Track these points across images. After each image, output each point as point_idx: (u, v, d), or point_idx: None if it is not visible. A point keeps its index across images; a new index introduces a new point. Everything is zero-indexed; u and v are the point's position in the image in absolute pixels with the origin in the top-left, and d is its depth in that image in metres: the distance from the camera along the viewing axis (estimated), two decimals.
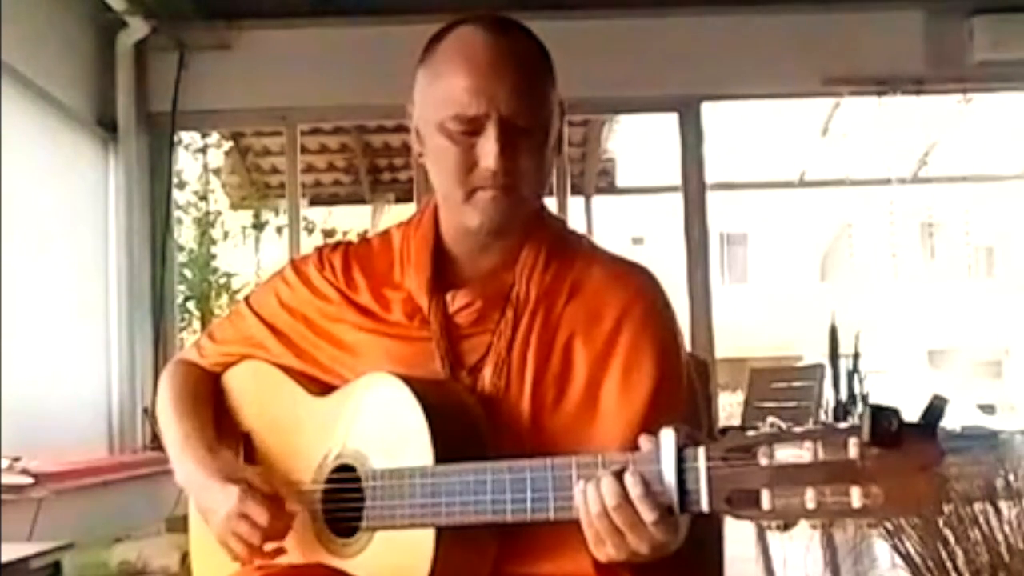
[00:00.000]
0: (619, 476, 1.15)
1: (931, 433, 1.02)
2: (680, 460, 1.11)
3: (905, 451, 1.01)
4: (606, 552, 1.19)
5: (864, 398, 5.46)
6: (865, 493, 1.01)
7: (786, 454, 1.04)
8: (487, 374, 1.38)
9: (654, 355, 1.37)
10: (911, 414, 1.03)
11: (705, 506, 1.09)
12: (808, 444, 1.03)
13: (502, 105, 1.32)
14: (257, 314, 1.53)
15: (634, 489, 1.14)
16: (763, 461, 1.05)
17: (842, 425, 1.03)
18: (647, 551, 1.17)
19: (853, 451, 1.02)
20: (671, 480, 1.11)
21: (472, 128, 1.33)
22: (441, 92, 1.35)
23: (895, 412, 1.01)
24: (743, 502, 1.07)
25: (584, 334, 1.38)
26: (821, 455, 1.03)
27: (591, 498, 1.16)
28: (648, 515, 1.14)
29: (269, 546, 1.37)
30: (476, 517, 1.24)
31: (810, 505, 1.03)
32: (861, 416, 1.02)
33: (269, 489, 1.36)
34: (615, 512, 1.15)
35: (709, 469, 1.09)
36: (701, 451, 1.10)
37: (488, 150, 1.32)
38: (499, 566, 1.32)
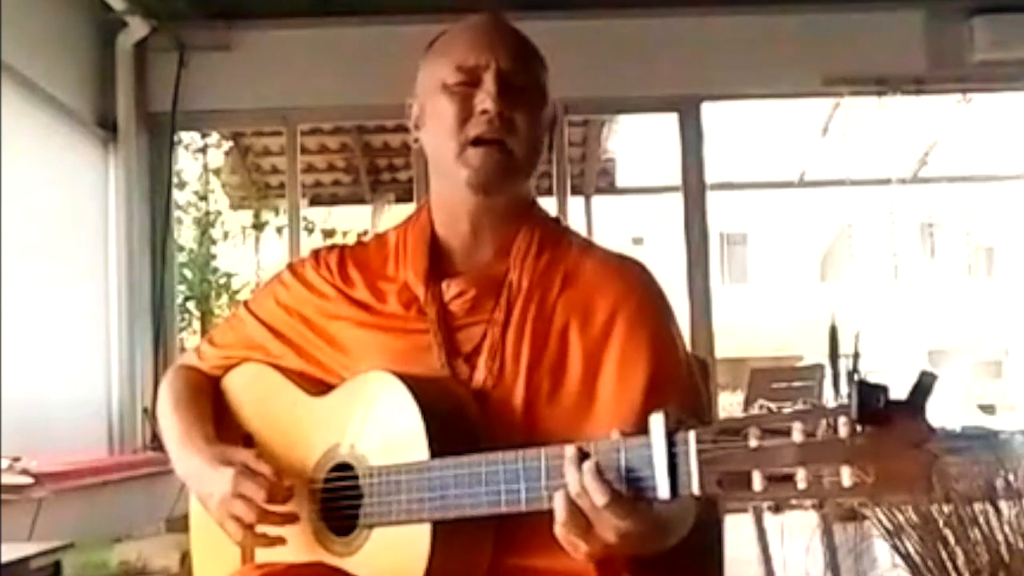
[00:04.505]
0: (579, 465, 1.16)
1: (920, 410, 1.02)
2: (671, 443, 1.11)
3: (894, 429, 1.00)
4: (571, 541, 1.18)
5: None
6: (856, 472, 1.00)
7: (776, 435, 1.04)
8: (482, 362, 1.39)
9: (650, 345, 1.37)
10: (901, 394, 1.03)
11: (696, 489, 1.09)
12: (798, 425, 1.03)
13: (501, 59, 1.39)
14: (256, 316, 1.54)
15: (586, 476, 1.14)
16: (753, 443, 1.05)
17: (831, 405, 1.03)
18: (613, 538, 1.16)
19: (843, 430, 1.01)
20: (662, 464, 1.11)
21: (471, 78, 1.39)
22: (443, 56, 1.42)
23: (883, 389, 1.01)
24: (734, 484, 1.06)
25: (579, 324, 1.39)
26: (811, 435, 1.03)
27: (559, 504, 1.17)
28: (599, 499, 1.13)
29: (273, 531, 1.37)
30: (471, 510, 1.25)
31: (801, 485, 1.03)
32: (849, 394, 1.02)
33: (265, 468, 1.37)
34: (577, 499, 1.16)
35: (699, 452, 1.09)
36: (691, 434, 1.10)
37: (485, 93, 1.37)
38: (498, 558, 1.32)
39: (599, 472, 1.14)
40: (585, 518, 1.16)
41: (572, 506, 1.16)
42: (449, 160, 1.40)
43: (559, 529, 1.17)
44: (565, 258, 1.44)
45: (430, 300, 1.42)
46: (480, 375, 1.38)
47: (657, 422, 1.13)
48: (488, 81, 1.38)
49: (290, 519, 1.37)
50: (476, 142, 1.38)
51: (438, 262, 1.45)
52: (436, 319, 1.41)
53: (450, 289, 1.42)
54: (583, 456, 1.16)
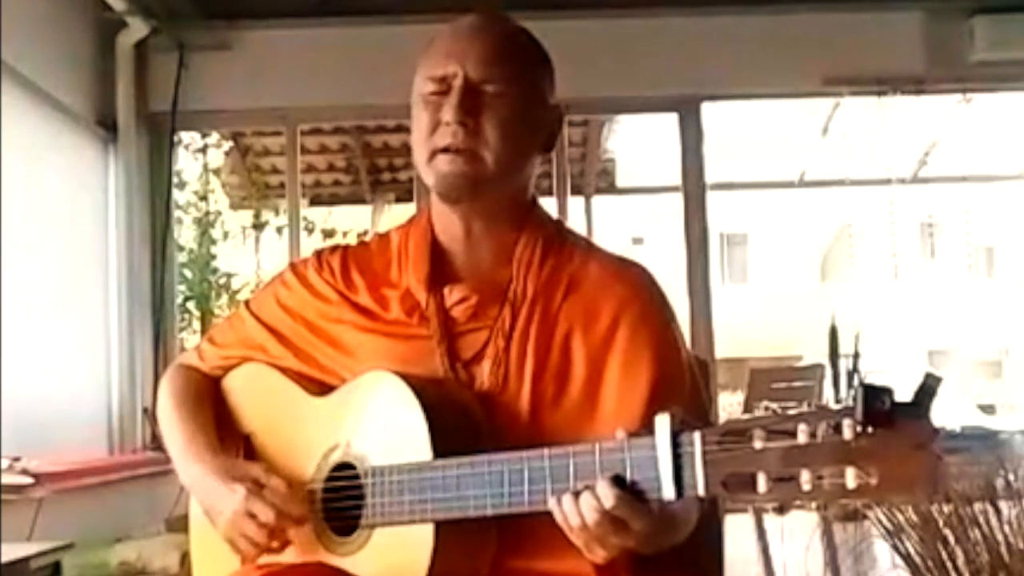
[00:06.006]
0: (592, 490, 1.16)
1: (924, 411, 1.02)
2: (676, 445, 1.11)
3: (899, 430, 1.01)
4: (587, 544, 1.19)
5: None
6: (860, 473, 1.01)
7: (781, 437, 1.04)
8: (485, 369, 1.38)
9: (653, 349, 1.37)
10: (905, 396, 1.03)
11: (701, 490, 1.09)
12: (803, 426, 1.03)
13: (470, 67, 1.38)
14: (257, 317, 1.53)
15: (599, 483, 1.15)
16: (758, 444, 1.05)
17: (836, 406, 1.03)
18: (621, 538, 1.17)
19: (847, 432, 1.02)
20: (667, 464, 1.11)
21: (442, 88, 1.38)
22: (422, 64, 1.42)
23: (888, 391, 1.01)
24: (739, 486, 1.07)
25: (582, 330, 1.39)
26: (815, 437, 1.03)
27: (569, 509, 1.17)
28: (608, 502, 1.14)
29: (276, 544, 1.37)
30: (474, 511, 1.25)
31: (806, 487, 1.03)
32: (854, 396, 1.02)
33: (277, 482, 1.36)
34: (584, 504, 1.16)
35: (704, 453, 1.09)
36: (697, 436, 1.10)
37: (448, 106, 1.36)
38: (499, 560, 1.32)
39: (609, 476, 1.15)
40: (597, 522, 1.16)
41: (578, 511, 1.16)
42: (424, 167, 1.40)
43: (576, 533, 1.18)
44: (568, 264, 1.43)
45: (432, 306, 1.41)
46: (483, 381, 1.38)
47: (662, 423, 1.13)
48: (453, 92, 1.37)
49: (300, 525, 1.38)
50: (444, 150, 1.37)
51: (440, 267, 1.44)
52: (438, 325, 1.41)
53: (452, 295, 1.41)
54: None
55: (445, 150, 1.37)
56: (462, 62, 1.38)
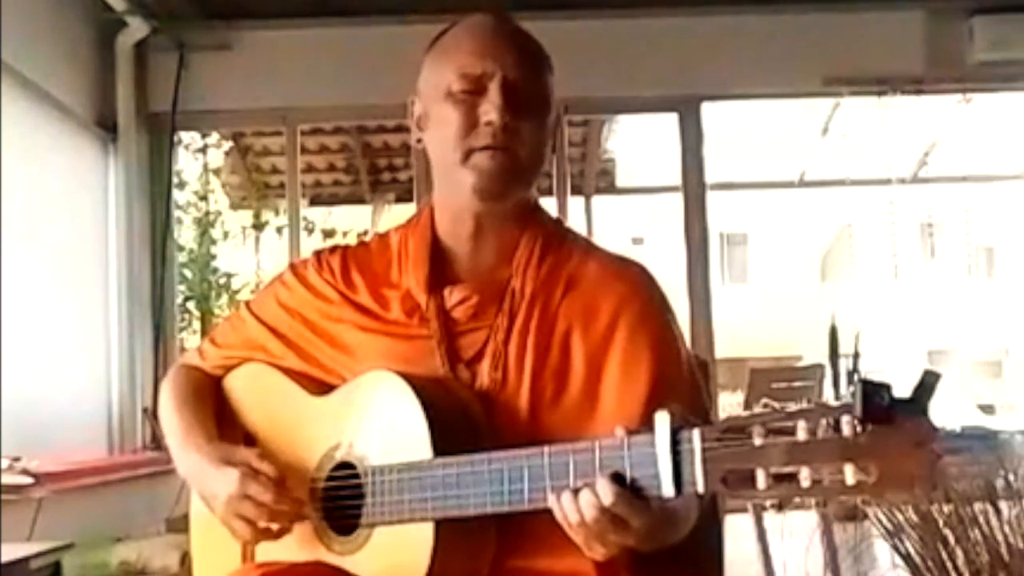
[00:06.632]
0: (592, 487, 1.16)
1: (923, 408, 1.02)
2: (675, 442, 1.12)
3: (898, 427, 1.01)
4: (587, 542, 1.19)
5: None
6: (859, 470, 1.01)
7: (780, 434, 1.04)
8: (485, 368, 1.39)
9: (652, 348, 1.38)
10: (904, 392, 1.03)
11: (701, 487, 1.09)
12: (802, 423, 1.04)
13: (507, 67, 1.38)
14: (257, 317, 1.54)
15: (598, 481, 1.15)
16: (758, 441, 1.06)
17: (835, 403, 1.04)
18: (621, 536, 1.17)
19: (846, 428, 1.02)
20: (666, 462, 1.11)
21: (476, 87, 1.37)
22: (448, 62, 1.40)
23: (887, 387, 1.01)
24: (738, 482, 1.07)
25: (582, 328, 1.39)
26: (815, 434, 1.03)
27: (568, 506, 1.17)
28: (607, 499, 1.14)
29: (275, 527, 1.37)
30: (474, 509, 1.25)
31: (805, 483, 1.03)
32: (853, 393, 1.02)
33: (268, 468, 1.37)
34: (583, 501, 1.16)
35: (704, 450, 1.09)
36: (696, 432, 1.10)
37: (490, 104, 1.36)
38: (498, 560, 1.32)
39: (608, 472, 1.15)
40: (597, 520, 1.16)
41: (577, 507, 1.16)
42: (454, 166, 1.39)
43: (575, 530, 1.18)
44: (567, 263, 1.44)
45: (432, 307, 1.42)
46: (483, 380, 1.38)
47: (662, 420, 1.13)
48: (493, 92, 1.36)
49: (299, 516, 1.38)
50: (484, 148, 1.37)
51: (440, 268, 1.44)
52: (438, 326, 1.41)
53: (452, 296, 1.42)
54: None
55: (485, 148, 1.37)
56: (499, 62, 1.38)
